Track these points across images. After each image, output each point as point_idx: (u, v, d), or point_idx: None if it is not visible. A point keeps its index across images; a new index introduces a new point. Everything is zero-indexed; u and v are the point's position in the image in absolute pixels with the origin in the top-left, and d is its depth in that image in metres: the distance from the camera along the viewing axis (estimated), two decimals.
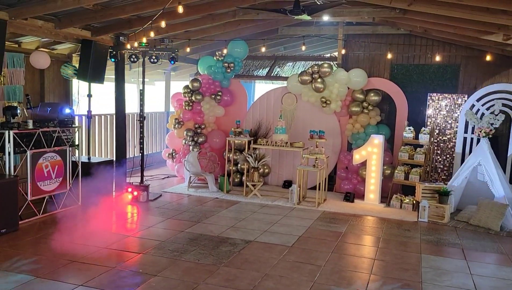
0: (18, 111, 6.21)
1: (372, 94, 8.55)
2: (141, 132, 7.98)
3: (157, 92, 14.83)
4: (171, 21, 7.26)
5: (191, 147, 9.29)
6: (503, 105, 7.60)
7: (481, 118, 7.54)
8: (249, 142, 8.49)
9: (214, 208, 7.38)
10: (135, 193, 7.55)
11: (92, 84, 7.83)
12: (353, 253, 5.52)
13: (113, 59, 7.63)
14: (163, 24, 6.29)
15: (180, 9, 5.61)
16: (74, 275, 4.46)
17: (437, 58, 8.25)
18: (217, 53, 9.43)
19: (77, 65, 7.68)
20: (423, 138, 7.94)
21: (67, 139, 6.76)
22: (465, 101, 8.07)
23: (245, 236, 5.92)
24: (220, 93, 9.42)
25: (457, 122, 8.15)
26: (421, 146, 8.01)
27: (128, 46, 7.48)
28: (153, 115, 11.63)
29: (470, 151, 7.77)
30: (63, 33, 6.93)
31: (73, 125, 6.99)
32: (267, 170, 9.26)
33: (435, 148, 8.38)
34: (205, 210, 7.22)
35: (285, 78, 9.40)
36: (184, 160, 8.79)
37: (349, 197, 8.11)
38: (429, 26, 7.62)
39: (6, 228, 5.62)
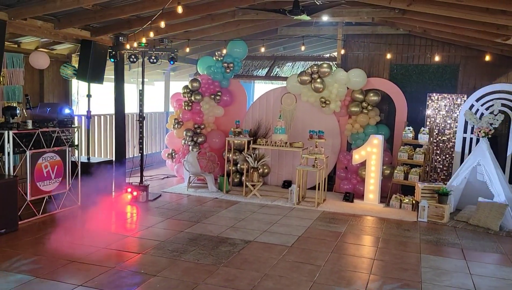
0: (18, 111, 6.21)
1: (371, 94, 8.56)
2: (141, 132, 7.98)
3: (156, 92, 14.83)
4: (171, 21, 7.26)
5: (190, 147, 9.29)
6: (502, 105, 7.61)
7: (480, 118, 7.55)
8: (249, 142, 8.49)
9: (213, 208, 7.38)
10: (135, 193, 7.55)
11: (92, 84, 7.83)
12: (353, 253, 5.52)
13: (112, 59, 7.64)
14: (162, 24, 6.29)
15: (180, 10, 5.61)
16: (73, 275, 4.46)
17: (437, 58, 8.26)
18: (216, 53, 9.43)
19: (76, 65, 7.67)
20: (423, 138, 7.95)
21: (67, 139, 6.76)
22: (464, 101, 8.08)
23: (244, 236, 5.92)
24: (219, 93, 9.42)
25: (457, 122, 8.16)
26: (421, 146, 8.02)
27: (128, 46, 7.48)
28: (152, 115, 11.63)
29: (470, 151, 7.78)
30: (63, 33, 6.92)
31: (73, 125, 6.99)
32: (266, 170, 9.26)
33: (435, 148, 8.39)
34: (205, 210, 7.22)
35: (285, 78, 9.41)
36: (184, 160, 8.79)
37: (349, 197, 8.12)
38: (428, 26, 7.63)
39: (5, 228, 5.62)
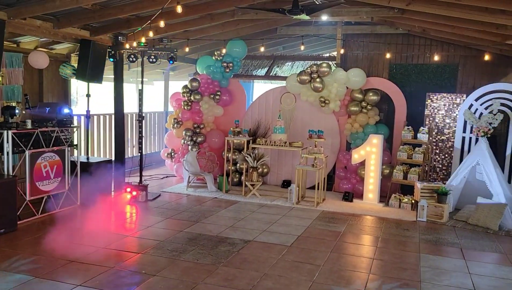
0: (17, 111, 6.20)
1: (371, 94, 8.56)
2: (140, 132, 7.98)
3: (156, 91, 14.83)
4: (170, 21, 7.25)
5: (190, 147, 9.29)
6: (502, 104, 7.61)
7: (479, 117, 7.55)
8: (248, 142, 8.49)
9: (213, 207, 7.38)
10: (134, 193, 7.54)
11: (91, 84, 7.82)
12: (352, 252, 5.52)
13: (112, 59, 7.63)
14: (162, 24, 6.29)
15: (179, 9, 5.61)
16: (73, 275, 4.46)
17: (436, 58, 8.26)
18: (216, 53, 9.43)
19: (75, 65, 7.67)
20: (422, 138, 7.95)
21: (66, 139, 6.76)
22: (464, 100, 8.08)
23: (244, 235, 5.92)
24: (219, 93, 9.42)
25: (456, 122, 8.17)
26: (420, 145, 8.02)
27: (127, 46, 7.47)
28: (152, 115, 11.63)
29: (469, 151, 7.78)
30: (62, 33, 6.92)
31: (72, 125, 6.98)
32: (266, 169, 9.26)
33: (434, 147, 8.39)
34: (204, 209, 7.22)
35: (284, 78, 9.41)
36: (183, 160, 8.79)
37: (348, 196, 8.12)
38: (427, 26, 7.63)
39: (4, 228, 5.62)
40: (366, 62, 9.28)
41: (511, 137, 7.76)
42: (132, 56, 7.52)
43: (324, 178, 8.11)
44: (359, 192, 8.31)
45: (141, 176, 7.99)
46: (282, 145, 8.10)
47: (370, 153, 7.92)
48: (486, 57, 7.83)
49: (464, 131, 7.99)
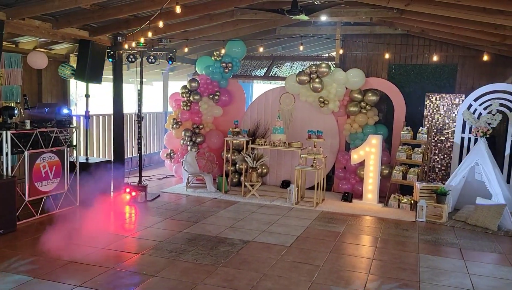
0: (16, 111, 6.19)
1: (370, 94, 8.56)
2: (139, 132, 7.97)
3: (155, 92, 14.83)
4: (169, 21, 7.25)
5: (189, 147, 9.28)
6: (500, 105, 7.62)
7: (478, 118, 7.56)
8: (247, 142, 8.49)
9: (212, 208, 7.38)
10: (133, 193, 7.54)
11: (90, 84, 7.81)
12: (351, 253, 5.53)
13: (111, 59, 7.62)
14: (161, 24, 6.28)
15: (178, 9, 5.60)
16: (72, 276, 4.45)
17: (435, 58, 8.27)
18: (215, 53, 9.43)
19: (74, 65, 7.66)
20: (421, 138, 7.96)
21: (65, 139, 6.75)
22: (463, 101, 8.10)
23: (243, 236, 5.92)
24: (218, 93, 9.42)
25: (455, 122, 8.18)
26: (419, 146, 8.03)
27: (126, 46, 7.47)
28: (151, 115, 11.63)
29: (468, 151, 7.79)
30: (61, 33, 6.91)
31: (71, 126, 6.98)
32: (265, 170, 9.26)
33: (433, 147, 8.40)
34: (203, 210, 7.22)
35: (283, 78, 9.41)
36: (182, 160, 8.79)
37: (347, 197, 8.12)
38: (426, 26, 7.64)
39: (3, 228, 5.61)
40: (365, 63, 9.29)
41: (510, 137, 7.78)
42: (131, 56, 7.51)
43: (323, 179, 8.11)
44: (358, 192, 8.31)
45: (140, 176, 7.98)
46: (281, 146, 8.10)
47: (369, 153, 7.92)
48: (485, 58, 7.84)
49: (463, 132, 8.00)
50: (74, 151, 7.01)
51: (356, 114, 8.64)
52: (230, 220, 6.69)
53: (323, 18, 7.80)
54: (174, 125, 9.56)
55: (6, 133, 5.83)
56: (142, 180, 7.99)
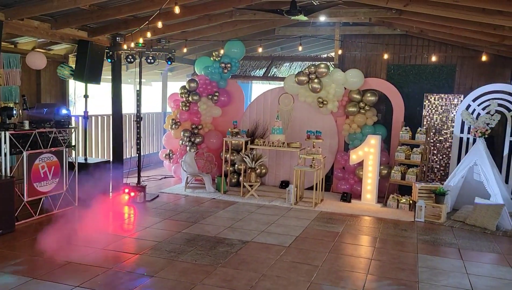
0: (14, 112, 6.19)
1: (368, 95, 8.57)
2: (138, 133, 7.97)
3: (154, 92, 14.82)
4: (168, 21, 7.25)
5: (188, 148, 9.28)
6: (499, 105, 7.63)
7: (477, 118, 7.57)
8: (246, 143, 8.49)
9: (211, 208, 7.38)
10: (132, 193, 7.53)
11: (89, 85, 7.81)
12: (350, 253, 5.53)
13: (109, 60, 7.62)
14: (160, 24, 6.28)
15: (177, 10, 5.60)
16: (71, 276, 4.45)
17: (433, 59, 8.28)
18: (214, 54, 9.43)
19: (73, 66, 7.66)
20: (420, 138, 7.97)
21: (64, 139, 6.75)
22: (461, 101, 8.11)
23: (242, 236, 5.92)
24: (217, 94, 9.42)
25: (453, 122, 8.19)
26: (418, 146, 8.04)
27: (125, 47, 7.46)
28: (150, 116, 11.62)
29: (466, 151, 7.80)
30: (60, 33, 6.91)
31: (70, 126, 6.98)
32: (264, 170, 9.26)
33: (432, 148, 8.41)
34: (202, 210, 7.22)
35: (282, 79, 9.41)
36: (181, 161, 8.79)
37: (346, 197, 8.13)
38: (425, 27, 7.65)
39: (2, 229, 5.60)
40: (364, 63, 9.30)
41: (508, 137, 7.79)
42: (130, 56, 7.51)
43: (322, 179, 8.11)
44: (357, 192, 8.32)
45: (139, 177, 7.98)
46: (280, 146, 8.10)
47: (368, 153, 7.93)
48: (484, 58, 7.85)
49: (462, 132, 8.01)
50: (73, 152, 7.01)
51: (355, 115, 8.65)
52: (229, 220, 6.70)
53: (322, 18, 7.81)
54: (173, 126, 9.56)
55: (5, 133, 5.83)
56: (141, 181, 7.99)
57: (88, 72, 7.35)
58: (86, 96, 7.86)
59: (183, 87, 9.51)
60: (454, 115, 8.21)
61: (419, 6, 6.13)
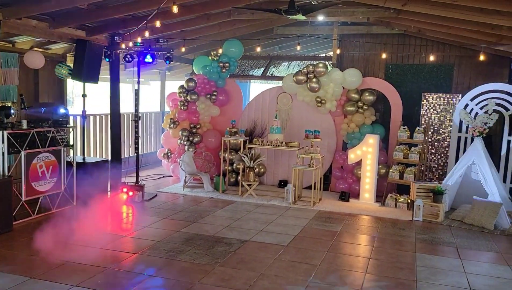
0: (12, 111, 6.18)
1: (367, 94, 8.58)
2: (136, 132, 7.96)
3: (152, 92, 14.80)
4: (166, 20, 7.24)
5: (186, 147, 9.28)
6: (497, 104, 7.65)
7: (475, 117, 7.59)
8: (245, 142, 8.49)
9: (209, 208, 7.38)
10: (130, 193, 7.53)
11: (87, 84, 7.80)
12: (349, 252, 5.54)
13: (107, 59, 7.61)
14: (158, 24, 6.28)
15: (175, 9, 5.60)
16: (69, 276, 4.45)
17: (431, 58, 8.29)
18: (212, 53, 9.43)
19: (71, 65, 7.64)
20: (418, 138, 7.98)
21: (62, 139, 6.74)
22: (459, 100, 8.12)
23: (240, 235, 5.93)
24: (215, 93, 9.42)
25: (451, 122, 8.20)
26: (416, 145, 8.05)
27: (123, 46, 7.45)
28: (148, 115, 11.61)
29: (464, 151, 7.82)
30: (58, 32, 6.90)
31: (68, 125, 6.97)
32: (262, 169, 9.27)
33: (430, 147, 8.43)
34: (201, 210, 7.22)
35: (280, 78, 9.42)
36: (180, 160, 8.78)
37: (344, 196, 8.14)
38: (423, 26, 7.66)
39: (0, 228, 5.59)
40: (362, 62, 9.30)
41: (506, 136, 7.81)
42: (128, 56, 7.50)
43: (321, 178, 8.12)
44: (355, 191, 8.33)
45: (137, 176, 7.97)
46: (278, 145, 8.11)
47: (366, 153, 7.94)
48: (481, 58, 7.86)
49: (460, 131, 8.03)
50: (71, 151, 7.00)
51: (353, 114, 8.65)
52: (227, 219, 6.70)
53: (320, 18, 7.81)
54: (171, 125, 9.56)
55: (3, 133, 5.82)
56: (139, 180, 7.98)
57: (86, 72, 7.33)
58: (84, 96, 7.86)
59: (182, 87, 9.50)
60: (452, 114, 8.22)
61: (417, 6, 6.13)
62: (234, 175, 9.06)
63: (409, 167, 7.94)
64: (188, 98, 9.37)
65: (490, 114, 7.39)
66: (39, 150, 6.33)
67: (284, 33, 9.71)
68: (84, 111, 7.89)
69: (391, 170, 7.95)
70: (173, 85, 12.18)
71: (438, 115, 8.37)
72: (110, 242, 5.47)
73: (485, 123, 7.33)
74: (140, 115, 8.03)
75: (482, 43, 7.56)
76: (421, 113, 8.47)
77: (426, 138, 8.22)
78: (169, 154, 9.79)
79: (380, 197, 8.05)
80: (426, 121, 8.42)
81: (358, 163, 8.20)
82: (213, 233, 5.99)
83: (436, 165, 8.43)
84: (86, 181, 6.88)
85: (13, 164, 6.27)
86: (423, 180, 7.91)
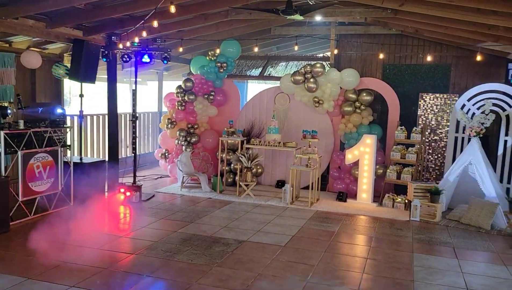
0: (9, 111, 6.16)
1: (364, 94, 8.60)
2: (134, 132, 7.95)
3: (149, 92, 14.78)
4: (164, 20, 7.24)
5: (184, 147, 9.27)
6: (493, 104, 7.67)
7: (472, 117, 7.61)
8: (242, 142, 8.49)
9: (207, 208, 7.37)
10: (128, 193, 7.51)
11: (84, 84, 7.78)
12: (346, 252, 5.54)
13: (105, 59, 7.60)
14: (155, 23, 6.27)
15: (173, 9, 5.59)
16: (66, 276, 4.43)
17: (429, 58, 8.31)
18: (209, 53, 9.42)
19: (68, 65, 7.62)
20: (415, 138, 8.00)
21: (59, 139, 6.72)
22: (456, 101, 8.14)
23: (238, 236, 5.92)
24: (213, 93, 9.41)
25: (449, 122, 8.22)
26: (413, 145, 8.07)
27: (120, 46, 7.44)
28: (145, 115, 11.60)
29: (461, 151, 7.84)
30: (55, 32, 6.88)
31: (65, 125, 6.95)
32: (260, 170, 9.27)
33: (427, 147, 8.44)
34: (198, 210, 7.21)
35: (278, 78, 9.42)
36: (177, 160, 8.77)
37: (342, 196, 8.15)
38: (420, 26, 7.68)
39: None
40: (360, 63, 9.32)
41: (503, 137, 7.83)
42: (126, 56, 7.49)
43: (318, 178, 8.13)
44: (353, 192, 8.34)
45: (135, 176, 7.96)
46: (276, 145, 8.11)
47: (363, 153, 7.95)
48: (478, 58, 7.89)
49: (457, 131, 8.05)
50: (68, 151, 6.98)
51: (350, 114, 8.66)
52: (225, 220, 6.69)
53: (318, 18, 7.82)
54: (169, 125, 9.55)
55: (0, 133, 5.79)
56: (136, 180, 7.97)
57: (84, 71, 7.32)
58: (81, 96, 7.84)
59: (179, 87, 9.49)
60: (449, 114, 8.24)
61: (414, 6, 6.15)
62: (231, 176, 9.05)
63: (406, 167, 7.96)
64: (186, 98, 9.36)
65: (487, 114, 7.41)
66: (36, 150, 6.31)
67: (282, 33, 9.71)
68: (81, 111, 7.87)
69: (388, 170, 7.97)
70: (171, 85, 12.17)
71: (435, 116, 8.39)
72: (107, 243, 5.46)
73: (482, 123, 7.35)
74: (137, 115, 8.02)
75: (478, 43, 7.59)
76: (418, 113, 8.49)
77: (423, 138, 8.23)
78: (166, 154, 9.78)
79: (377, 197, 8.06)
80: (423, 122, 8.44)
81: (356, 163, 8.21)
82: (211, 233, 5.99)
83: (433, 165, 8.44)
84: (83, 181, 6.87)
85: (10, 164, 6.24)
86: (420, 180, 7.93)
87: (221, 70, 9.31)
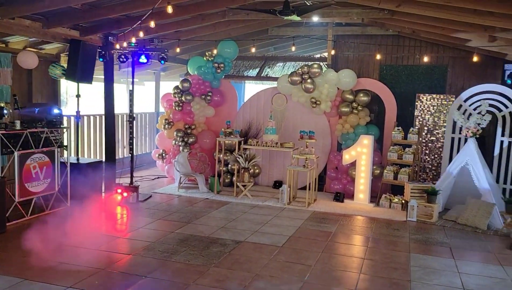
0: (6, 111, 6.14)
1: (361, 95, 8.61)
2: (131, 133, 7.94)
3: (146, 92, 14.75)
4: (161, 21, 7.23)
5: (181, 148, 9.26)
6: (490, 105, 7.70)
7: (468, 118, 7.63)
8: (240, 143, 8.49)
9: (204, 208, 7.37)
10: (125, 194, 7.50)
11: (81, 84, 7.76)
12: (343, 252, 5.55)
13: (102, 59, 7.58)
14: (152, 24, 6.26)
15: (170, 9, 5.59)
16: (63, 277, 4.42)
17: (425, 59, 8.33)
18: (207, 54, 9.42)
19: (65, 65, 7.61)
20: (412, 138, 8.02)
21: (56, 139, 6.70)
22: (453, 101, 8.17)
23: (235, 236, 5.92)
24: (210, 94, 9.41)
25: (445, 122, 8.25)
26: (410, 146, 8.09)
27: (117, 46, 7.43)
28: (142, 116, 11.58)
29: (458, 151, 7.86)
30: (51, 32, 6.86)
31: (62, 126, 6.93)
32: (257, 170, 9.26)
33: (424, 148, 8.47)
34: (196, 210, 7.21)
35: (275, 79, 9.43)
36: (174, 161, 8.76)
37: (339, 197, 8.16)
38: (417, 27, 7.70)
39: None
40: (357, 63, 9.33)
41: (499, 137, 7.86)
42: (123, 56, 7.48)
43: (315, 179, 8.14)
44: (350, 192, 8.35)
45: (132, 177, 7.95)
46: (273, 146, 8.11)
47: (360, 153, 7.97)
48: (475, 59, 7.91)
49: (454, 132, 8.07)
50: (65, 152, 6.96)
51: (347, 115, 8.68)
52: (222, 220, 6.69)
53: (315, 18, 7.83)
54: (166, 126, 9.54)
55: None
56: (133, 181, 7.96)
57: (80, 72, 7.30)
58: (78, 96, 7.82)
59: (176, 87, 9.48)
60: (446, 115, 8.26)
61: (411, 7, 6.16)
62: (229, 176, 9.05)
63: (403, 167, 7.97)
64: (183, 98, 9.35)
65: (483, 115, 7.44)
66: (33, 151, 6.29)
67: (279, 33, 9.72)
68: (78, 112, 7.85)
69: (385, 171, 7.98)
70: (168, 86, 12.15)
71: (432, 116, 8.41)
72: (104, 243, 5.44)
73: (478, 124, 7.37)
74: (134, 115, 8.01)
75: (475, 44, 7.62)
76: (415, 114, 8.51)
77: (420, 138, 8.26)
78: (163, 154, 9.77)
79: (374, 197, 8.07)
80: (420, 122, 8.46)
81: (353, 164, 8.22)
82: (208, 234, 5.98)
83: (430, 166, 8.47)
84: (80, 182, 6.84)
85: (6, 164, 6.22)
86: (417, 180, 7.95)
87: (219, 71, 9.31)
